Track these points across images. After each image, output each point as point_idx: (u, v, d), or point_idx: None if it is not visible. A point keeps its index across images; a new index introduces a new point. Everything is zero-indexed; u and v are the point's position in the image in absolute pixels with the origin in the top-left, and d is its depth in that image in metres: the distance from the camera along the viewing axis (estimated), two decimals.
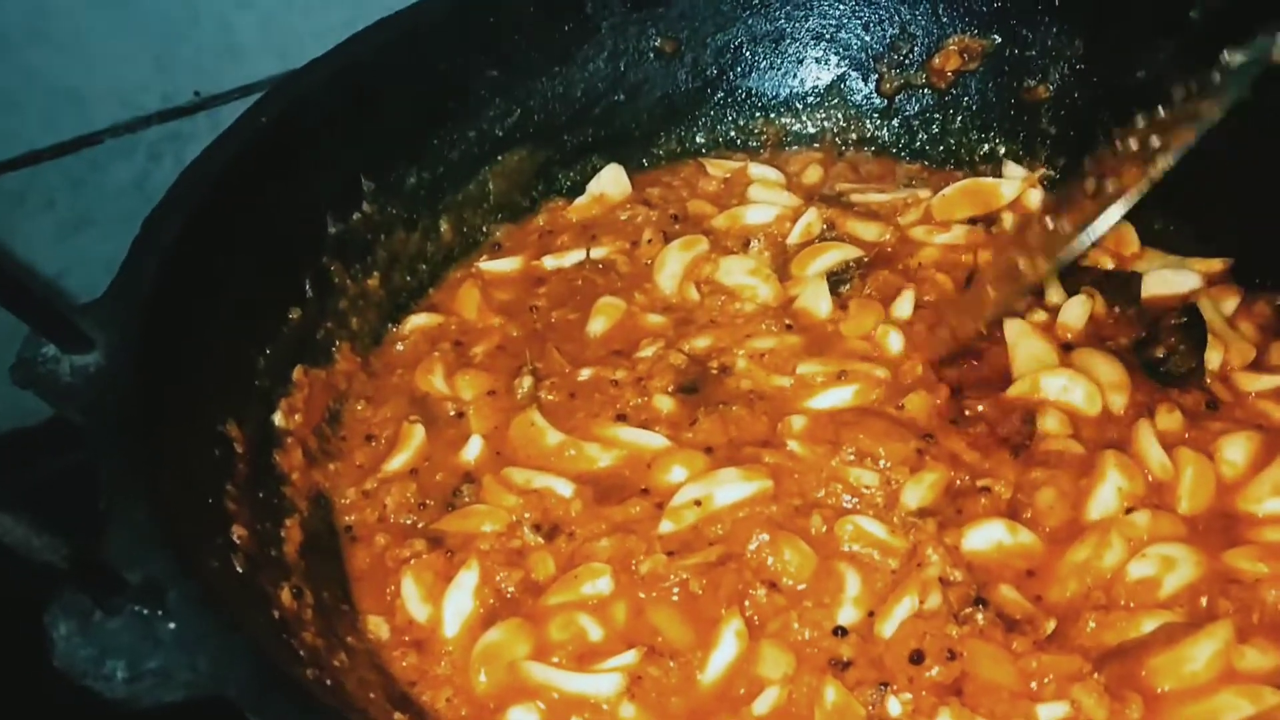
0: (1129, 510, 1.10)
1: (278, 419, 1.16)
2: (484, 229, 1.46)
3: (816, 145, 1.59)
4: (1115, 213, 1.08)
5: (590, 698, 0.99)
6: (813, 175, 1.53)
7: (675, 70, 1.54)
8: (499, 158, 1.44)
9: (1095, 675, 0.97)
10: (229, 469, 1.04)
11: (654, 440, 1.18)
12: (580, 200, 1.49)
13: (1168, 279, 1.33)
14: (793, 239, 1.40)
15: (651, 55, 1.51)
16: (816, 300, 1.31)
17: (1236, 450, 1.15)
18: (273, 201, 1.17)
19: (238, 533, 0.98)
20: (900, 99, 1.57)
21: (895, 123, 1.58)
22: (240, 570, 0.96)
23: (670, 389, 1.23)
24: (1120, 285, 1.32)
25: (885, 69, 1.56)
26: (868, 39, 1.55)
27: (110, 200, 1.54)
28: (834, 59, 1.57)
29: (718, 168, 1.53)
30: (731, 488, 1.12)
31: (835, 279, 1.34)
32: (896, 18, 1.53)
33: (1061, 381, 1.20)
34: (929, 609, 1.02)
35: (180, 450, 0.96)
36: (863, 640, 1.02)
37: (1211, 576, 1.06)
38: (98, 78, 1.46)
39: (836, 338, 1.28)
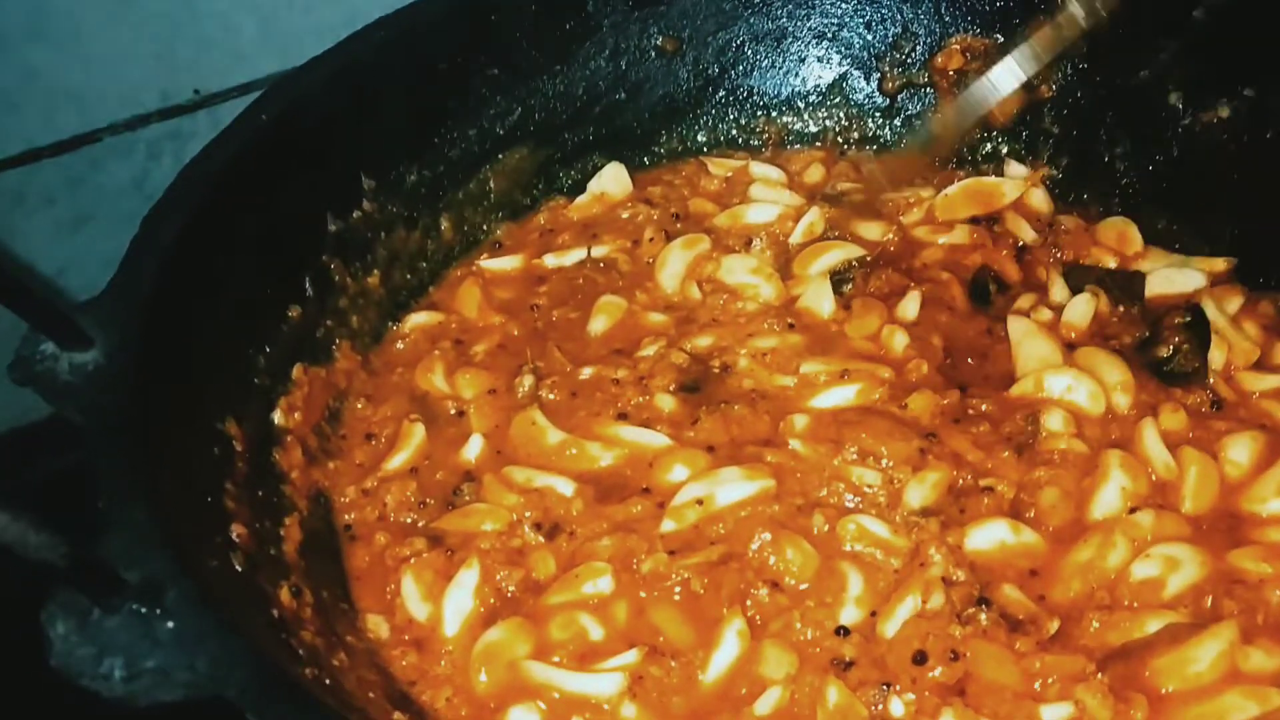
0: (1133, 510, 1.10)
1: (277, 417, 1.15)
2: (485, 227, 1.46)
3: (818, 144, 1.59)
4: (1014, 60, 1.10)
5: (591, 697, 0.99)
6: (814, 174, 1.53)
7: (677, 69, 1.54)
8: (500, 156, 1.44)
9: (1099, 676, 0.96)
10: (228, 467, 1.04)
11: (655, 439, 1.18)
12: (581, 199, 1.49)
13: (1172, 278, 1.33)
14: (795, 238, 1.40)
15: (653, 53, 1.51)
16: (819, 299, 1.31)
17: (1240, 450, 1.14)
18: (272, 199, 1.17)
19: (237, 531, 0.98)
20: (903, 98, 1.56)
21: (897, 122, 1.57)
22: (239, 569, 0.95)
23: (672, 388, 1.22)
24: (1124, 284, 1.32)
25: (888, 68, 1.56)
26: (870, 38, 1.55)
27: (110, 198, 1.54)
28: (836, 58, 1.57)
29: (719, 166, 1.53)
30: (733, 487, 1.11)
31: (837, 278, 1.34)
32: (899, 16, 1.53)
33: (1065, 380, 1.20)
34: (932, 609, 1.02)
35: (179, 448, 0.96)
36: (865, 640, 1.01)
37: (1216, 577, 1.05)
38: (97, 76, 1.46)
39: (839, 337, 1.28)
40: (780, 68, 1.57)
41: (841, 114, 1.59)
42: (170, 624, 0.75)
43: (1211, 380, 1.21)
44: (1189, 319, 1.24)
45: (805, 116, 1.59)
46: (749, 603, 1.04)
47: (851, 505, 1.11)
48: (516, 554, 1.09)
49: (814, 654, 1.01)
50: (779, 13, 1.54)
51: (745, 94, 1.58)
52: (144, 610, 0.75)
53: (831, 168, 1.54)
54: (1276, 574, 1.04)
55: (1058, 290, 1.32)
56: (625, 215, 1.46)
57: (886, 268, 1.35)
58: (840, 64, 1.57)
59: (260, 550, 1.01)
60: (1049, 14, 1.27)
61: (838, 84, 1.58)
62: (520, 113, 1.44)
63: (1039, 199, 1.45)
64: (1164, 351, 1.23)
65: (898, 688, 0.97)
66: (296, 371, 1.19)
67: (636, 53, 1.50)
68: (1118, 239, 1.39)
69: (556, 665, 1.01)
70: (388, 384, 1.29)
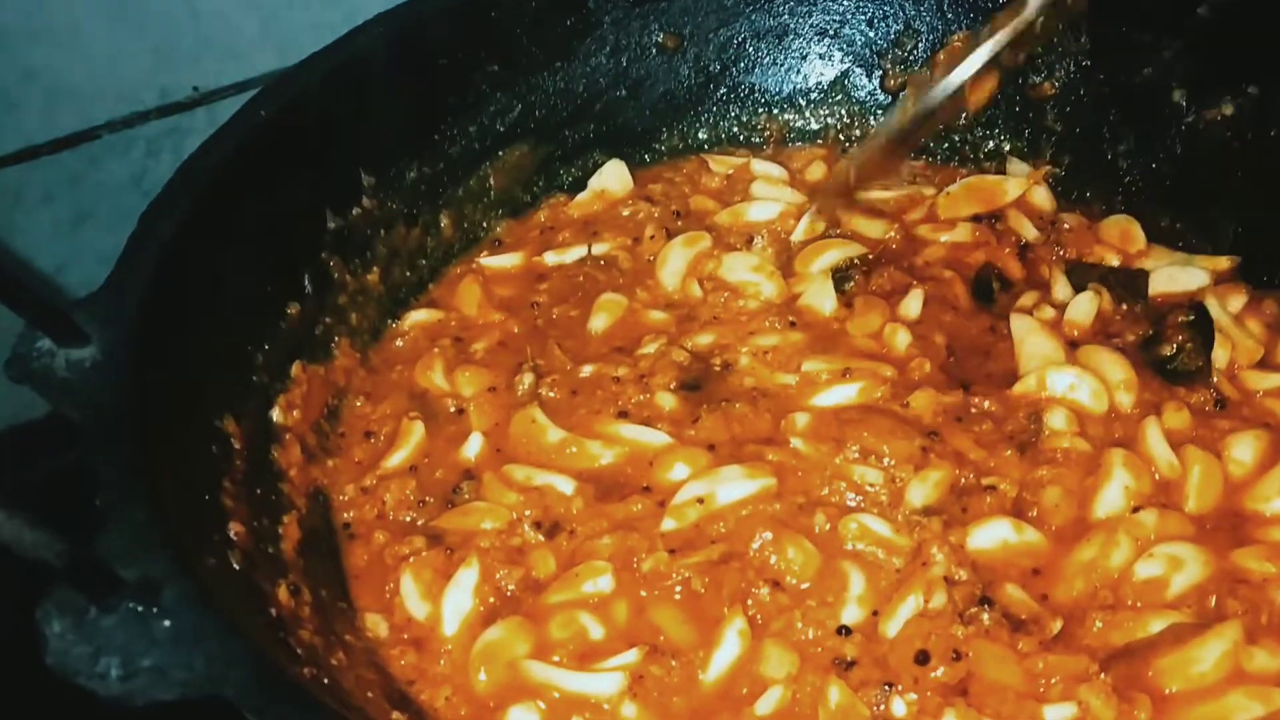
0: (1136, 509, 1.09)
1: (276, 415, 1.15)
2: (485, 224, 1.45)
3: (820, 141, 1.58)
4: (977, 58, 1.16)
5: (591, 697, 0.98)
6: (816, 172, 1.52)
7: (677, 66, 1.53)
8: (500, 153, 1.43)
9: (1102, 676, 0.96)
10: (226, 465, 1.03)
11: (656, 437, 1.17)
12: (582, 196, 1.48)
13: (1175, 276, 1.33)
14: (796, 236, 1.40)
15: (654, 50, 1.51)
16: (821, 297, 1.31)
17: (1244, 449, 1.14)
18: (271, 196, 1.16)
19: (235, 530, 0.97)
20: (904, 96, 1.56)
21: None
22: (237, 567, 0.95)
23: (672, 386, 1.22)
24: (1127, 282, 1.32)
25: (889, 65, 1.55)
26: (872, 35, 1.55)
27: (108, 195, 1.54)
28: (838, 55, 1.57)
29: (720, 164, 1.53)
30: (734, 485, 1.11)
31: (839, 276, 1.34)
32: (901, 13, 1.53)
33: (1068, 379, 1.19)
34: (934, 608, 1.01)
35: (177, 446, 0.95)
36: (867, 640, 1.01)
37: (1219, 576, 1.05)
38: (96, 73, 1.46)
39: (841, 335, 1.28)
40: (782, 65, 1.57)
41: (843, 111, 1.58)
42: (167, 622, 0.74)
43: (1215, 379, 1.21)
44: (1192, 317, 1.24)
45: (807, 114, 1.59)
46: (750, 602, 1.03)
47: (853, 504, 1.11)
48: (516, 553, 1.09)
49: (815, 654, 1.00)
50: (781, 9, 1.54)
51: (747, 91, 1.57)
52: (141, 609, 0.74)
53: (833, 165, 1.54)
54: None
55: (1060, 288, 1.32)
56: (626, 213, 1.45)
57: (888, 266, 1.35)
58: (842, 61, 1.57)
59: (258, 549, 1.01)
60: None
61: (839, 81, 1.57)
62: (521, 109, 1.44)
63: (1042, 197, 1.45)
64: (1167, 350, 1.23)
65: (900, 688, 0.97)
66: (295, 369, 1.19)
67: (637, 49, 1.50)
68: (1121, 237, 1.39)
69: (556, 664, 1.01)
70: (387, 382, 1.29)
